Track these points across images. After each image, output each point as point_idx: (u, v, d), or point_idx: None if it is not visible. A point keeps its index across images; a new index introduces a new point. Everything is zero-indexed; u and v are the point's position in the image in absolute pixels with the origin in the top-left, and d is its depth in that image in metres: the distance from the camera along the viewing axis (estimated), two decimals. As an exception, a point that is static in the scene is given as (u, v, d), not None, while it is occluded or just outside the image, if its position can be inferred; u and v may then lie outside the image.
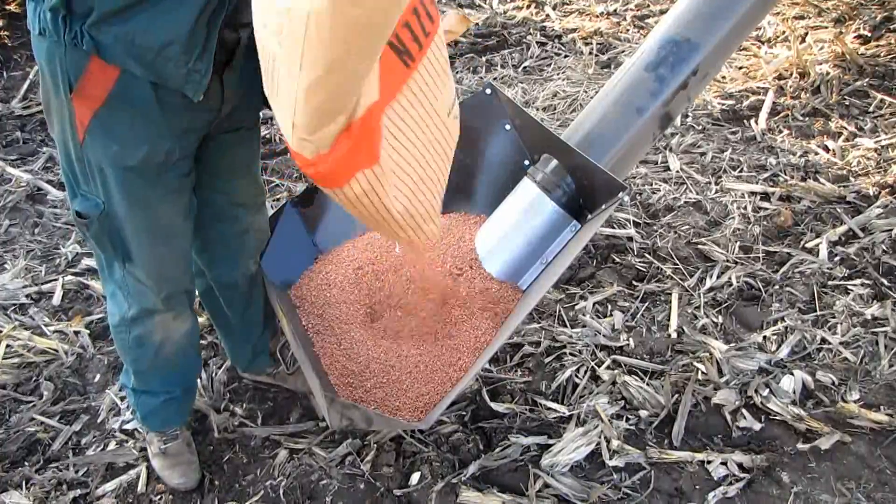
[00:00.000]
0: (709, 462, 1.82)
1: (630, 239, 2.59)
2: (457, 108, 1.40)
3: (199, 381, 2.00)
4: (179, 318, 1.65)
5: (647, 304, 2.33)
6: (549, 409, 1.97)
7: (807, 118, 3.31)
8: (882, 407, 1.95)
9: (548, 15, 4.55)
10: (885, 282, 2.35)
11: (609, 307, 2.32)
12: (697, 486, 1.78)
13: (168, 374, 1.73)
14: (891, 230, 2.53)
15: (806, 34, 3.93)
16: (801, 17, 4.17)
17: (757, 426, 1.91)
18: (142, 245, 1.46)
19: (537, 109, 3.43)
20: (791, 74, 3.60)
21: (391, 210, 1.27)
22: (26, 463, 1.89)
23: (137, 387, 1.75)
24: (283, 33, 1.02)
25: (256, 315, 1.89)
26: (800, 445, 1.86)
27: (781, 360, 2.09)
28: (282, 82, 1.09)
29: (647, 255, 2.52)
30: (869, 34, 3.88)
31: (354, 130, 1.11)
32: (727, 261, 2.48)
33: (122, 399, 2.04)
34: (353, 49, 1.01)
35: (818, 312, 2.26)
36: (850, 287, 2.34)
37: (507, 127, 1.95)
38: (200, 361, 1.91)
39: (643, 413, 1.95)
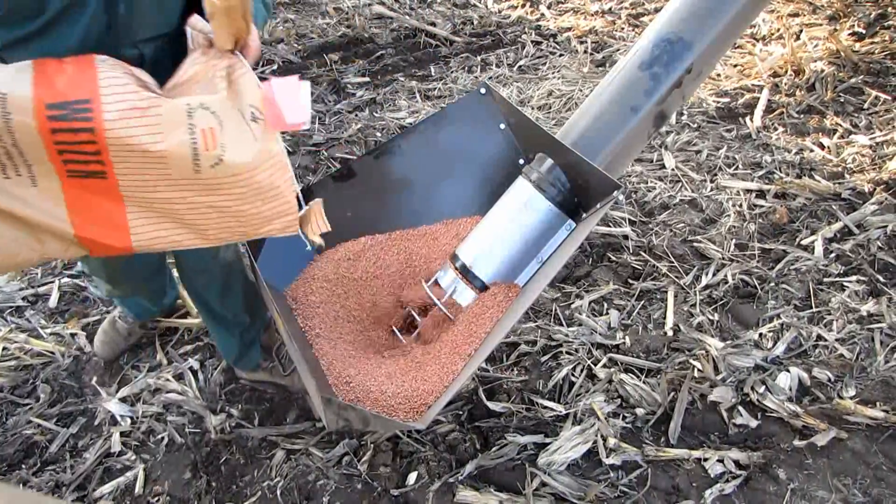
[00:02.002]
0: (705, 459, 1.83)
1: (626, 237, 2.59)
2: (218, 152, 1.25)
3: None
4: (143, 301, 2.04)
5: (643, 303, 2.33)
6: (546, 407, 1.97)
7: (802, 115, 3.31)
8: (878, 403, 1.96)
9: (542, 14, 4.55)
10: (881, 278, 2.36)
11: (605, 305, 2.33)
12: (694, 484, 1.78)
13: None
14: (886, 227, 2.54)
15: (800, 31, 3.93)
16: (796, 15, 4.18)
17: (753, 423, 1.92)
18: None
19: (532, 108, 3.43)
20: (786, 72, 3.61)
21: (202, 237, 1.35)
22: (24, 465, 1.89)
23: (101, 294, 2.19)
24: None
25: (236, 303, 1.89)
26: (796, 442, 1.86)
27: (777, 357, 2.10)
28: None
29: (642, 254, 2.52)
30: (863, 31, 3.89)
31: (82, 244, 1.25)
32: (723, 258, 2.49)
33: (120, 401, 2.04)
34: None
35: (814, 309, 2.27)
36: (845, 284, 2.35)
37: (502, 126, 1.95)
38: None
39: (640, 411, 1.96)
